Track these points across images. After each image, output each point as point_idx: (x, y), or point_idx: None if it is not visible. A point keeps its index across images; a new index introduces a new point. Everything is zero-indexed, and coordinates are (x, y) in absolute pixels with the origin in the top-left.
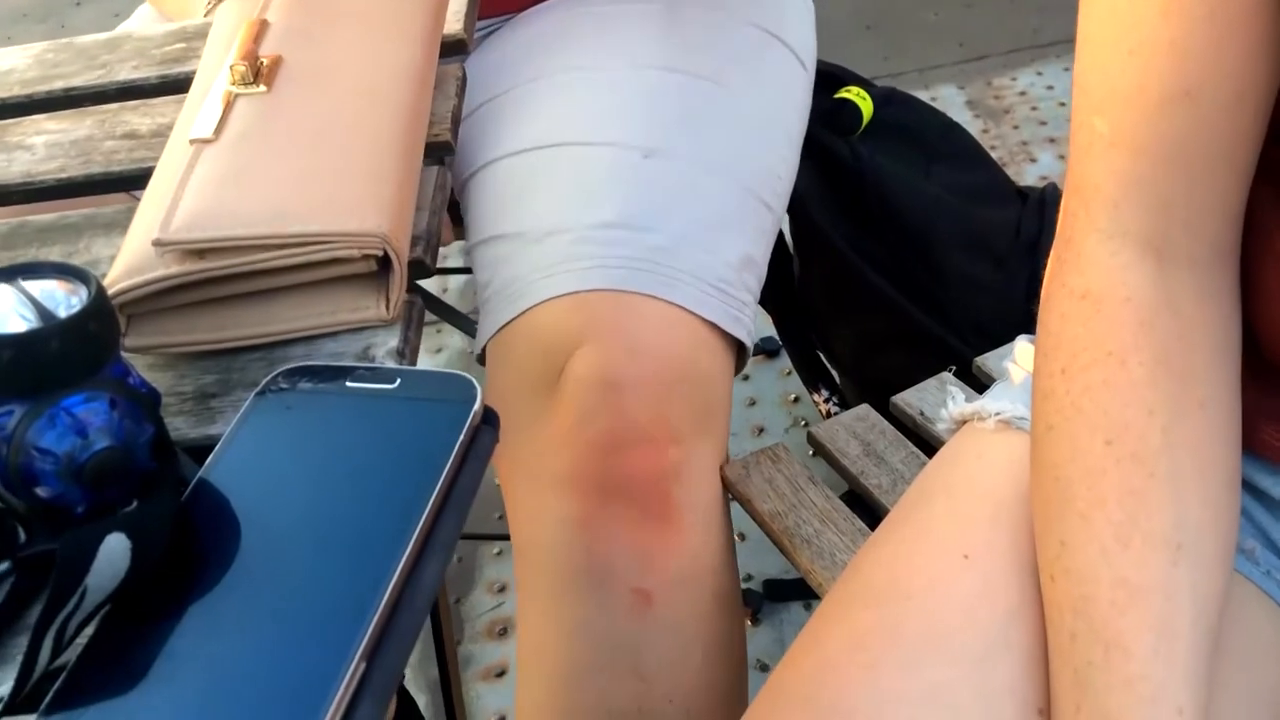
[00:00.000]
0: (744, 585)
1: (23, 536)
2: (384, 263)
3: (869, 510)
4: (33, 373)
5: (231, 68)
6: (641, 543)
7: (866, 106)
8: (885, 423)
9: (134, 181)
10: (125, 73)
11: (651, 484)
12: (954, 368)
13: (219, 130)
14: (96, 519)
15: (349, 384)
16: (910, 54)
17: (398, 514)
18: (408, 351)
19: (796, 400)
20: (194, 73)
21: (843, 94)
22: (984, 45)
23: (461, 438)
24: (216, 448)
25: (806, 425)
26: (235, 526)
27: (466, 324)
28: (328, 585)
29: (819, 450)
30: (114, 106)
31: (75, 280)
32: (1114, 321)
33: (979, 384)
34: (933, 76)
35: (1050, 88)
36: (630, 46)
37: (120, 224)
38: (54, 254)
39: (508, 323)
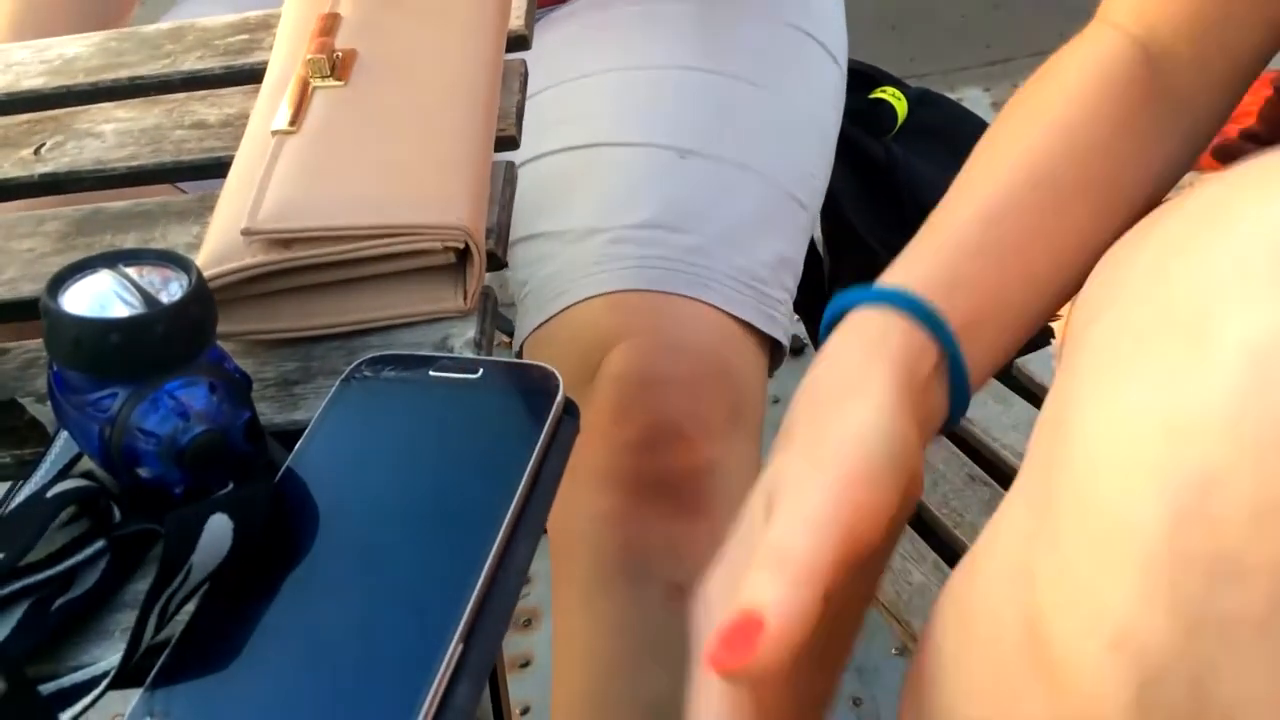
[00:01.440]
0: None
1: (117, 516)
2: (460, 254)
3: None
4: (137, 357)
5: (308, 61)
6: (676, 537)
7: (901, 107)
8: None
9: (205, 170)
10: (190, 63)
11: (686, 479)
12: None
13: (298, 122)
14: (193, 500)
15: (432, 373)
16: (935, 55)
17: (488, 500)
18: (484, 342)
19: None
20: (258, 65)
21: (877, 94)
22: (1011, 47)
23: (547, 427)
24: (305, 433)
25: None
26: (327, 510)
27: (505, 324)
28: (422, 568)
29: None
30: (180, 96)
31: (175, 267)
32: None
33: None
34: (958, 78)
35: None
36: (666, 46)
37: (194, 212)
38: (129, 240)
39: (545, 321)
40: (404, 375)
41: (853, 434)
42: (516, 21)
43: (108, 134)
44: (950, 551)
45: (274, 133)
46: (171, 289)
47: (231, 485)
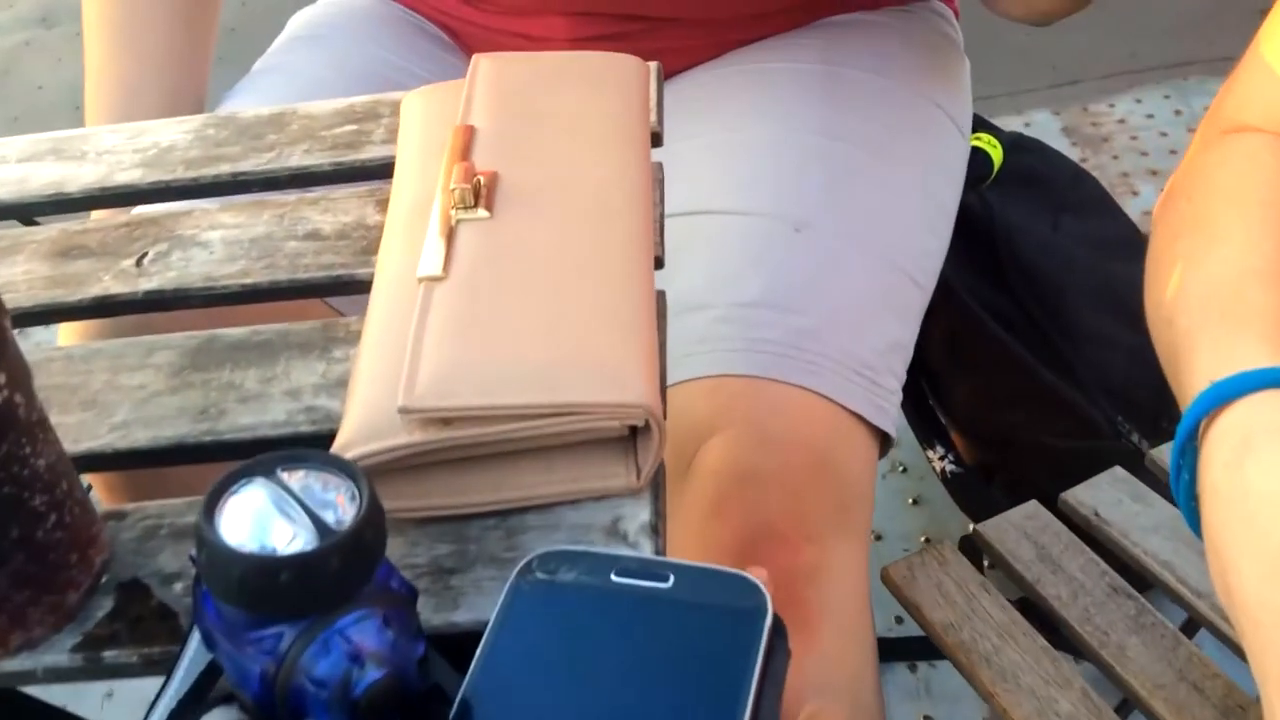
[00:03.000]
0: None
1: None
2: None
3: (1046, 622)
4: (309, 594)
5: (452, 191)
6: None
7: (997, 155)
8: (1058, 523)
9: (321, 289)
10: (296, 157)
11: (785, 586)
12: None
13: (447, 266)
14: None
15: (615, 578)
16: (1000, 77)
17: None
18: (660, 525)
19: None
20: (370, 163)
21: (973, 141)
22: (1078, 69)
23: (760, 657)
24: (477, 654)
25: (904, 470)
26: None
27: None
28: None
29: (986, 550)
30: (291, 199)
31: (339, 473)
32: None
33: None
34: (1025, 101)
35: (1150, 116)
36: (786, 108)
37: (317, 344)
38: (250, 376)
39: None
40: (583, 580)
41: None
42: (650, 117)
43: (215, 243)
44: (1097, 677)
45: (422, 279)
46: (335, 503)
47: None
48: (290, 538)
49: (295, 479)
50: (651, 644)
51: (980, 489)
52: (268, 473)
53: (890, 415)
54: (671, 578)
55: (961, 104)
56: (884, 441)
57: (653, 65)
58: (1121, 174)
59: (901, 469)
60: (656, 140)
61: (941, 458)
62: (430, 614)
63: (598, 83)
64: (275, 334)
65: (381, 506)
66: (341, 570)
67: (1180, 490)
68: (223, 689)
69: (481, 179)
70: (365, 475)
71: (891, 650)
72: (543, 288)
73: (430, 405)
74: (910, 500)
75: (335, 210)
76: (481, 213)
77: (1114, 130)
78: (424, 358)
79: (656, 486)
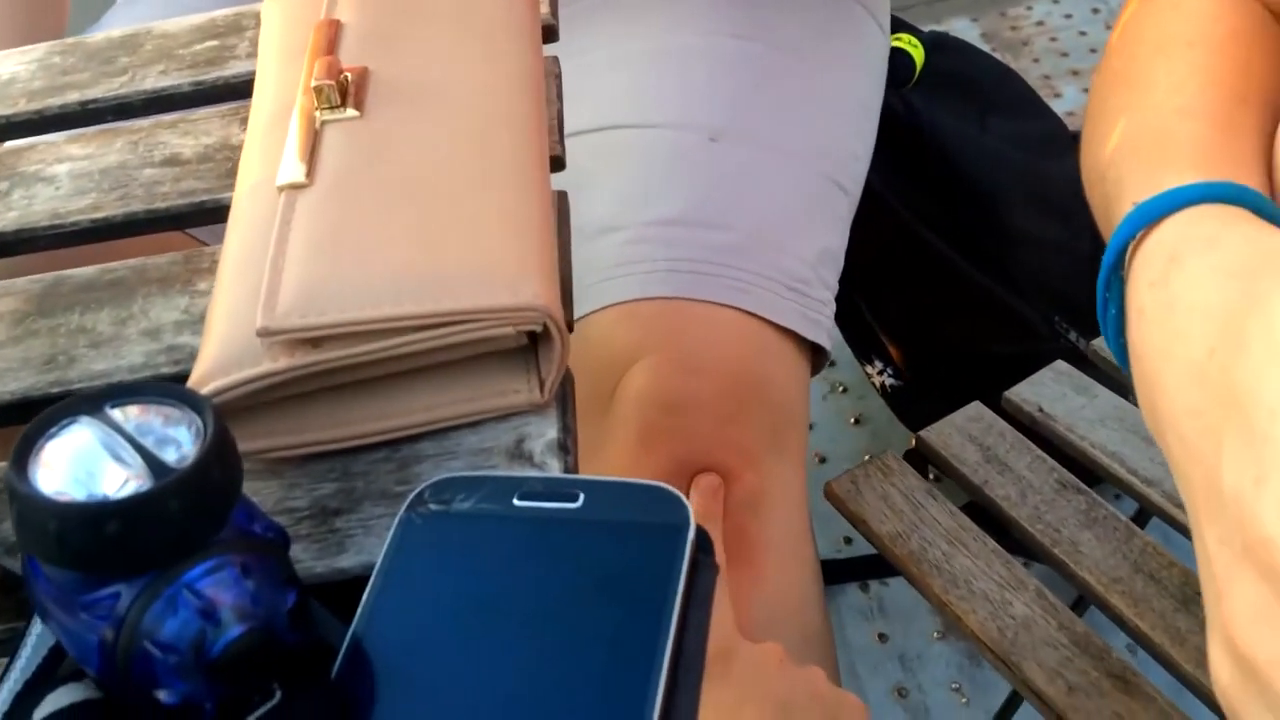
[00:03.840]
0: None
1: None
2: (531, 333)
3: (996, 525)
4: (144, 546)
5: (315, 89)
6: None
7: (919, 55)
8: (1002, 422)
9: (183, 219)
10: (151, 79)
11: (725, 516)
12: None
13: (311, 171)
14: (228, 717)
15: (518, 502)
16: None
17: (619, 689)
18: (570, 443)
19: (833, 364)
20: (235, 78)
21: (893, 43)
22: None
23: (683, 578)
24: (364, 599)
25: (844, 390)
26: (405, 710)
27: None
28: None
29: (931, 457)
30: (145, 123)
31: (180, 404)
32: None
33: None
34: (943, 9)
35: (1068, 16)
36: (699, 10)
37: (178, 278)
38: (103, 318)
39: None
40: (482, 508)
41: None
42: (542, 9)
43: (62, 177)
44: (1052, 576)
45: (282, 188)
46: (178, 439)
47: (279, 692)
48: (122, 482)
49: (129, 416)
50: (561, 570)
51: (922, 401)
52: (94, 410)
53: (824, 327)
54: (582, 496)
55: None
56: (818, 355)
57: None
58: (1043, 76)
59: (841, 389)
60: (550, 34)
61: (880, 372)
62: (312, 561)
63: None
64: (130, 270)
65: (232, 440)
66: (183, 515)
67: (1109, 326)
68: (74, 664)
69: (349, 75)
70: (211, 405)
71: (842, 571)
72: (422, 191)
73: (294, 324)
74: (852, 420)
75: (196, 132)
76: (350, 112)
77: (1033, 33)
78: (286, 273)
79: (565, 400)
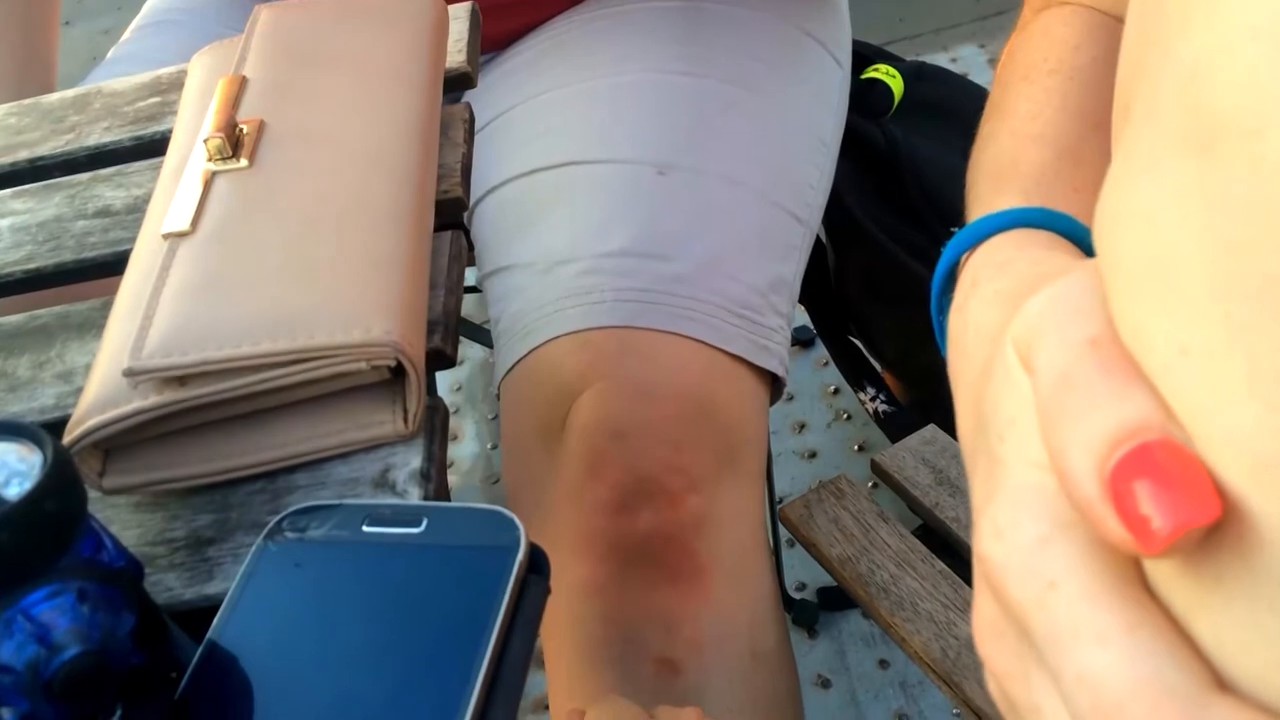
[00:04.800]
0: (798, 596)
1: None
2: (399, 368)
3: (948, 547)
4: None
5: (206, 141)
6: (663, 607)
7: (897, 85)
8: (956, 445)
9: (108, 268)
10: (96, 135)
11: (669, 540)
12: None
13: (196, 220)
14: None
15: (366, 528)
16: (925, 13)
17: (440, 696)
18: (433, 472)
19: (837, 392)
20: (168, 133)
21: (870, 73)
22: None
23: (508, 594)
24: (214, 622)
25: (849, 418)
26: None
27: (486, 336)
28: None
29: (885, 480)
30: (84, 177)
31: (23, 439)
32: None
33: None
34: (951, 36)
35: None
36: (647, 49)
37: (96, 324)
38: (22, 363)
39: (515, 364)
40: (333, 534)
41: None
42: (457, 57)
43: (3, 231)
44: None
45: (166, 236)
46: (19, 470)
47: (120, 711)
48: None
49: None
50: (398, 592)
51: (915, 426)
52: None
53: (776, 354)
54: (425, 521)
55: (834, 29)
56: (777, 381)
57: (466, 5)
58: None
59: (845, 416)
60: (468, 81)
61: (873, 398)
62: (183, 588)
63: (385, 24)
64: (54, 317)
65: (74, 474)
66: (15, 544)
67: (943, 343)
68: None
69: (244, 128)
70: (53, 441)
71: (843, 598)
72: (295, 236)
73: (156, 364)
74: (856, 448)
75: (129, 184)
76: (241, 163)
77: None
78: (157, 316)
79: (432, 431)
